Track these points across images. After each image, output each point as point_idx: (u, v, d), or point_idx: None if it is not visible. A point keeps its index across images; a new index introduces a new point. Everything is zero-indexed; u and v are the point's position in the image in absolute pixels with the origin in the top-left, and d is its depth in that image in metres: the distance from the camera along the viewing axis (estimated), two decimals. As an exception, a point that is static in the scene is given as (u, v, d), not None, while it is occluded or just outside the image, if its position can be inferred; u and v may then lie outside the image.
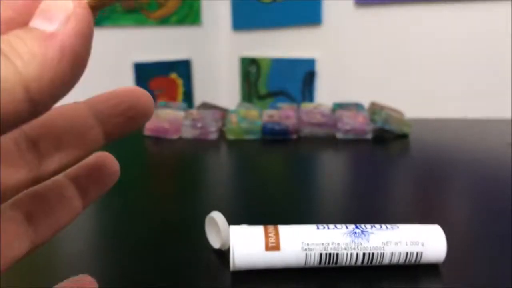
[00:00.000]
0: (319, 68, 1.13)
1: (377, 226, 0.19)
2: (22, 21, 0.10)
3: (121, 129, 0.12)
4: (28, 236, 0.11)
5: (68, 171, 0.12)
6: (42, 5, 0.09)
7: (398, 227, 0.19)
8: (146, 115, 0.12)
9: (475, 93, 0.86)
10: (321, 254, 0.18)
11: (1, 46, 0.08)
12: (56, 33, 0.09)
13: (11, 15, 0.10)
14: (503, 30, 0.81)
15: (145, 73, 1.24)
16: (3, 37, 0.08)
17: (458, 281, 0.18)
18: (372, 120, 0.44)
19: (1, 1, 0.10)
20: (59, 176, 0.12)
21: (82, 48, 0.09)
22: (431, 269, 0.19)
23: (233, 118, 0.44)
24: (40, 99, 0.08)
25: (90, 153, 0.12)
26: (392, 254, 0.18)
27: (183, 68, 1.31)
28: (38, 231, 0.11)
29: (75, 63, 0.09)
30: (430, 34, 0.91)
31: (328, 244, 0.18)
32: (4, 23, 0.09)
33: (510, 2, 0.79)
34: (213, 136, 0.44)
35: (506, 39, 0.81)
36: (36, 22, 0.09)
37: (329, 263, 0.18)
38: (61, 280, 0.13)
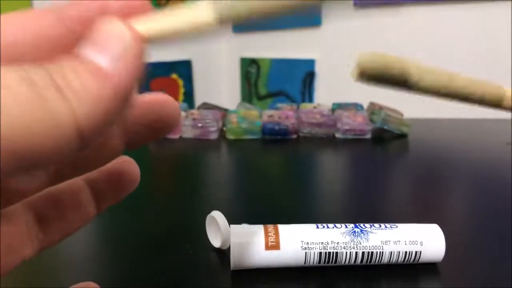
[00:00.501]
0: (319, 69, 1.13)
1: (376, 225, 0.19)
2: (72, 39, 0.09)
3: (143, 140, 0.11)
4: (37, 238, 0.11)
5: (88, 174, 0.12)
6: (98, 31, 0.09)
7: (397, 227, 0.19)
8: (171, 127, 0.12)
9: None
10: (320, 253, 0.18)
11: (57, 79, 0.08)
12: (111, 71, 0.08)
13: (63, 32, 0.09)
14: (503, 30, 0.81)
15: (146, 73, 1.24)
16: (57, 67, 0.08)
17: (457, 280, 0.18)
18: (371, 120, 0.44)
19: (54, 15, 0.09)
20: (77, 179, 0.12)
21: (133, 83, 0.09)
22: (430, 268, 0.19)
23: (233, 118, 0.44)
24: (89, 136, 0.08)
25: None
26: (391, 253, 0.19)
27: (183, 68, 1.31)
28: (48, 234, 0.11)
29: (125, 99, 0.09)
30: (430, 34, 0.91)
31: (328, 243, 0.18)
32: (55, 40, 0.09)
33: (510, 2, 0.79)
34: (214, 136, 0.44)
35: (506, 39, 0.81)
36: (90, 52, 0.09)
37: (328, 262, 0.18)
38: (62, 281, 0.13)
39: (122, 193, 0.12)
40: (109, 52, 0.09)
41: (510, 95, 0.13)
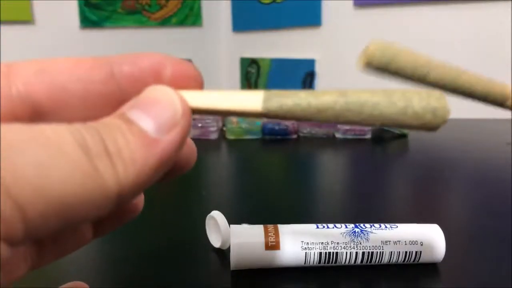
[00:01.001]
0: (319, 69, 1.13)
1: (376, 225, 0.19)
2: (121, 98, 0.09)
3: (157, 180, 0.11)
4: (31, 259, 0.11)
5: None
6: (149, 95, 0.09)
7: (397, 227, 0.19)
8: (185, 170, 0.11)
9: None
10: (320, 253, 0.18)
11: (108, 144, 0.08)
12: (159, 140, 0.08)
13: (113, 89, 0.09)
14: (503, 30, 0.81)
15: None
16: (108, 130, 0.08)
17: (457, 281, 0.18)
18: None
19: (107, 69, 0.09)
20: None
21: (175, 156, 0.09)
22: (430, 268, 0.19)
23: (233, 118, 0.44)
24: (126, 199, 0.08)
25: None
26: (391, 253, 0.19)
27: (183, 68, 1.31)
28: (41, 255, 0.11)
29: (167, 167, 0.09)
30: (429, 34, 0.91)
31: (328, 243, 0.18)
32: (104, 97, 0.09)
33: (510, 2, 0.79)
34: (214, 136, 0.44)
35: (506, 39, 0.81)
36: (141, 117, 0.08)
37: (328, 262, 0.18)
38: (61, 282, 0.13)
39: (121, 222, 0.12)
40: (158, 119, 0.08)
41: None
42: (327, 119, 0.10)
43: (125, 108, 0.09)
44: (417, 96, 0.10)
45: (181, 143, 0.09)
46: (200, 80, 0.11)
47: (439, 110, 0.10)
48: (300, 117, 0.10)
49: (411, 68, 0.11)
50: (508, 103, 0.12)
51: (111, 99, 0.10)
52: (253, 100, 0.10)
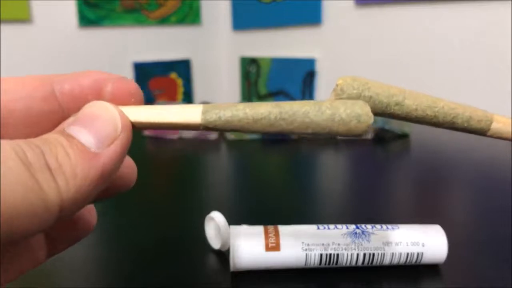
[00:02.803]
0: (319, 68, 1.13)
1: (378, 226, 0.19)
2: (63, 115, 0.10)
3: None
4: None
5: None
6: (89, 111, 0.09)
7: (398, 227, 0.19)
8: (125, 189, 0.11)
9: (475, 92, 0.86)
10: (321, 255, 0.18)
11: (49, 159, 0.08)
12: (100, 154, 0.09)
13: (55, 107, 0.10)
14: (503, 30, 0.81)
15: (145, 73, 1.24)
16: (49, 146, 0.08)
17: (459, 282, 0.18)
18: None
19: (48, 88, 0.09)
20: None
21: (118, 167, 0.09)
22: (432, 269, 0.19)
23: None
24: (69, 213, 0.08)
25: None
26: (392, 254, 0.18)
27: (183, 68, 1.31)
28: None
29: (108, 181, 0.09)
30: (431, 34, 0.91)
31: (329, 244, 0.18)
32: (46, 114, 0.09)
33: (510, 2, 0.79)
34: (213, 136, 0.43)
35: (506, 39, 0.81)
36: (81, 132, 0.09)
37: (329, 263, 0.18)
38: (63, 283, 0.13)
39: (75, 239, 0.12)
40: (98, 133, 0.09)
41: (497, 125, 0.12)
42: (264, 128, 0.10)
43: (65, 124, 0.09)
44: (343, 105, 0.11)
45: (122, 156, 0.09)
46: (140, 97, 0.11)
47: (362, 116, 0.10)
48: (238, 128, 0.10)
49: (386, 96, 0.12)
50: (492, 131, 0.12)
51: (53, 116, 0.10)
52: (193, 113, 0.10)
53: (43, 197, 0.08)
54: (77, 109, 0.09)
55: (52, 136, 0.09)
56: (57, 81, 0.10)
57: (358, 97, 0.12)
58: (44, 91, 0.10)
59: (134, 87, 0.11)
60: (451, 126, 0.12)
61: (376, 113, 0.12)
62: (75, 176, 0.08)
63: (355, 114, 0.10)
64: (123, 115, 0.10)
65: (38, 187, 0.08)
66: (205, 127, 0.10)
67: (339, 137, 0.43)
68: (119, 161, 0.09)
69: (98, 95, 0.10)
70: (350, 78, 0.12)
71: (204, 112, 0.10)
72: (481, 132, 0.12)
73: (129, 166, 0.12)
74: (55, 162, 0.08)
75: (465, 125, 0.12)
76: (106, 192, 0.11)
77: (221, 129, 0.10)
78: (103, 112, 0.09)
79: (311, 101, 0.11)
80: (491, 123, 0.12)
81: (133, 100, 0.11)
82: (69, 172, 0.08)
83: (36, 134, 0.09)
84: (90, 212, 0.12)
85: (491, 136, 0.12)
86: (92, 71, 0.10)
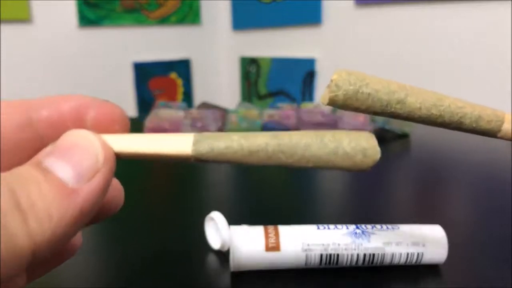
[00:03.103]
0: (319, 68, 1.13)
1: (378, 226, 0.19)
2: (41, 144, 0.09)
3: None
4: None
5: None
6: (67, 141, 0.08)
7: (399, 228, 0.19)
8: (111, 213, 0.11)
9: (475, 92, 0.86)
10: (321, 255, 0.18)
11: (21, 198, 0.07)
12: (79, 190, 0.08)
13: (32, 136, 0.09)
14: (503, 30, 0.81)
15: (145, 73, 1.24)
16: (21, 183, 0.07)
17: (459, 283, 0.18)
18: (373, 120, 0.44)
19: (25, 116, 0.09)
20: None
21: (98, 204, 0.08)
22: (432, 270, 0.19)
23: (233, 118, 0.44)
24: (46, 255, 0.08)
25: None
26: (393, 254, 0.18)
27: (182, 68, 1.31)
28: None
29: (88, 218, 0.08)
30: (430, 33, 0.91)
31: (329, 244, 0.18)
32: (23, 144, 0.09)
33: (510, 2, 0.79)
34: (213, 136, 0.43)
35: (506, 39, 0.81)
36: (58, 165, 0.08)
37: (329, 263, 0.18)
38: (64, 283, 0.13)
39: (57, 263, 0.11)
40: (77, 166, 0.08)
41: (508, 125, 0.11)
42: (260, 161, 0.10)
43: (41, 156, 0.08)
44: (347, 137, 0.10)
45: (104, 191, 0.08)
46: (126, 123, 0.10)
47: (369, 150, 0.10)
48: (233, 160, 0.10)
49: (386, 93, 0.10)
50: (503, 133, 0.11)
51: (30, 145, 0.09)
52: (183, 143, 0.09)
53: (13, 243, 0.07)
54: (57, 137, 0.09)
55: (25, 169, 0.08)
56: (34, 107, 0.09)
57: (355, 94, 0.10)
58: (19, 119, 0.09)
59: (118, 112, 0.10)
60: (458, 126, 0.11)
61: (375, 113, 0.11)
62: (50, 217, 0.07)
63: (361, 148, 0.10)
64: (105, 145, 0.09)
65: (7, 232, 0.07)
66: (196, 159, 0.09)
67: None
68: (101, 196, 0.08)
69: (79, 122, 0.09)
70: (345, 72, 0.10)
71: (195, 143, 0.09)
72: (491, 133, 0.11)
73: (116, 189, 0.11)
74: (26, 201, 0.07)
75: (474, 125, 0.11)
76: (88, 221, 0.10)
77: (214, 161, 0.10)
78: (83, 141, 0.08)
79: (312, 132, 0.10)
80: (502, 123, 0.11)
81: (117, 127, 0.10)
82: (43, 212, 0.07)
83: (11, 165, 0.08)
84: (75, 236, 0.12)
85: (501, 138, 0.11)
86: (73, 95, 0.10)
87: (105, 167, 0.08)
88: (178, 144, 0.09)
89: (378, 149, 0.10)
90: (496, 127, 0.11)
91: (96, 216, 0.10)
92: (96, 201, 0.08)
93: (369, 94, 0.10)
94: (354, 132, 0.10)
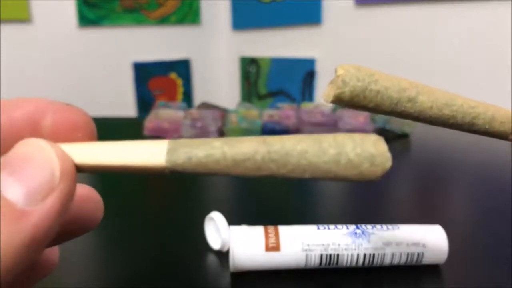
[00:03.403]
0: (319, 68, 1.13)
1: (378, 226, 0.19)
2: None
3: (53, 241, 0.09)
4: None
5: None
6: (18, 154, 0.07)
7: (399, 228, 0.19)
8: (90, 228, 0.09)
9: (475, 92, 0.86)
10: (321, 255, 0.18)
11: None
12: (30, 212, 0.06)
13: None
14: (503, 30, 0.81)
15: (144, 73, 1.24)
16: None
17: (460, 282, 0.18)
18: (373, 120, 0.44)
19: None
20: None
21: (56, 227, 0.07)
22: (432, 270, 0.19)
23: (233, 118, 0.44)
24: None
25: None
26: (393, 255, 0.18)
27: (182, 68, 1.31)
28: None
29: (42, 245, 0.07)
30: (430, 33, 0.91)
31: (329, 244, 0.18)
32: None
33: (510, 2, 0.79)
34: (213, 136, 0.43)
35: (506, 38, 0.81)
36: (6, 182, 0.07)
37: (329, 264, 0.18)
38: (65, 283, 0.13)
39: (33, 281, 0.10)
40: (29, 183, 0.07)
41: None
42: (248, 172, 0.08)
43: None
44: (350, 141, 0.08)
45: (61, 212, 0.07)
46: (91, 129, 0.09)
47: (377, 157, 0.08)
48: (215, 171, 0.08)
49: (396, 91, 0.09)
50: None
51: None
52: (155, 153, 0.08)
53: None
54: (9, 149, 0.07)
55: None
56: None
57: (363, 91, 0.09)
58: None
59: (81, 118, 0.08)
60: (470, 128, 0.10)
61: (383, 111, 0.09)
62: None
63: (367, 155, 0.08)
64: (63, 157, 0.07)
65: None
66: (171, 170, 0.08)
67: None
68: (58, 219, 0.07)
69: (35, 130, 0.08)
70: (353, 67, 0.09)
71: (169, 151, 0.08)
72: (504, 135, 0.10)
73: (92, 201, 0.09)
74: None
75: (487, 126, 0.10)
76: (61, 236, 0.09)
77: (193, 172, 0.08)
78: (37, 153, 0.07)
79: (309, 137, 0.08)
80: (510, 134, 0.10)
81: (80, 135, 0.08)
82: None
83: None
84: (51, 251, 0.10)
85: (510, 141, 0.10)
86: (29, 98, 0.08)
87: (63, 184, 0.07)
88: (149, 153, 0.08)
89: (388, 155, 0.08)
90: (509, 128, 0.10)
91: (68, 233, 0.09)
92: (52, 225, 0.07)
93: (378, 91, 0.09)
94: (359, 135, 0.08)
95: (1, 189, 0.07)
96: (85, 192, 0.09)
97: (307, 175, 0.08)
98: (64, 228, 0.09)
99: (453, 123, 0.10)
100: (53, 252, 0.10)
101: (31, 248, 0.07)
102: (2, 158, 0.07)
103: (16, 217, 0.06)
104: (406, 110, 0.10)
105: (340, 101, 0.09)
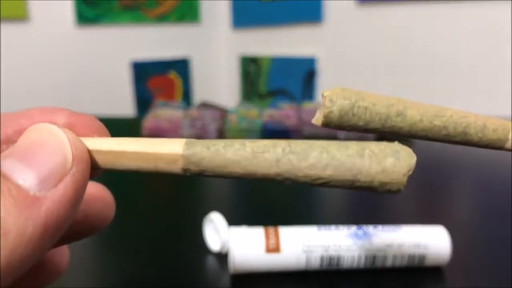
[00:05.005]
0: (320, 67, 1.13)
1: (379, 227, 0.19)
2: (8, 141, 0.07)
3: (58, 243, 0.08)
4: None
5: None
6: (29, 139, 0.07)
7: (400, 228, 0.19)
8: (100, 229, 0.09)
9: (475, 92, 0.86)
10: (322, 256, 0.18)
11: None
12: (43, 198, 0.06)
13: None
14: (504, 29, 0.81)
15: (143, 72, 1.23)
16: None
17: (462, 285, 0.18)
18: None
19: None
20: None
21: (70, 216, 0.07)
22: (434, 272, 0.19)
23: (233, 118, 0.43)
24: (8, 279, 0.06)
25: None
26: (394, 256, 0.18)
27: (181, 67, 1.30)
28: None
29: (57, 234, 0.07)
30: (432, 32, 0.91)
31: (330, 246, 0.18)
32: None
33: (510, 2, 0.79)
34: (212, 135, 0.43)
35: (507, 38, 0.81)
36: (17, 169, 0.06)
37: (330, 265, 0.18)
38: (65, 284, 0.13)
39: (41, 284, 0.10)
40: (41, 169, 0.06)
41: None
42: (266, 166, 0.08)
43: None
44: (375, 144, 0.08)
45: (75, 199, 0.07)
46: (104, 133, 0.08)
47: (401, 152, 0.08)
48: (231, 164, 0.08)
49: (384, 106, 0.09)
50: (508, 144, 0.10)
51: None
52: (172, 144, 0.08)
53: None
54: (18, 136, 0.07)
55: None
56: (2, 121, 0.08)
57: (351, 108, 0.09)
58: None
59: (95, 124, 0.08)
60: (464, 138, 0.10)
61: (374, 129, 0.10)
62: (6, 235, 0.06)
63: (391, 150, 0.08)
64: (76, 142, 0.07)
65: None
66: (187, 162, 0.08)
67: (339, 136, 0.43)
68: (72, 206, 0.07)
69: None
70: (339, 88, 0.10)
71: (187, 143, 0.08)
72: (498, 143, 0.10)
73: (104, 201, 0.09)
74: None
75: (480, 135, 0.10)
76: (71, 236, 0.09)
77: (209, 168, 0.08)
78: (48, 137, 0.07)
79: (332, 142, 0.08)
80: (508, 132, 0.10)
81: (94, 135, 0.08)
82: None
83: None
84: (61, 253, 0.10)
85: (508, 150, 0.10)
86: (48, 108, 0.08)
87: (75, 169, 0.07)
88: (165, 144, 0.08)
89: (412, 153, 0.08)
90: (503, 135, 0.10)
91: (77, 233, 0.09)
92: (66, 212, 0.07)
93: (366, 108, 0.09)
94: (382, 142, 0.08)
95: (12, 175, 0.06)
96: (97, 190, 0.09)
97: (328, 172, 0.08)
98: (74, 227, 0.09)
99: (446, 135, 0.10)
100: (63, 255, 0.10)
101: (45, 236, 0.06)
102: (12, 146, 0.07)
103: (29, 203, 0.06)
104: (397, 125, 0.10)
105: (330, 122, 0.10)
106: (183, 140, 0.08)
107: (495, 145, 0.10)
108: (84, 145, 0.07)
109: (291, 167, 0.08)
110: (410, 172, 0.08)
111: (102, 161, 0.08)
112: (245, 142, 0.08)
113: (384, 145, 0.08)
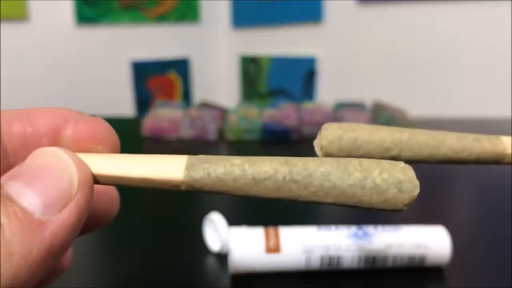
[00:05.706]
0: (320, 67, 1.13)
1: (380, 227, 0.19)
2: (8, 163, 0.07)
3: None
4: None
5: None
6: (36, 163, 0.07)
7: (401, 229, 0.19)
8: (104, 224, 0.10)
9: (475, 92, 0.86)
10: (322, 257, 0.18)
11: None
12: (47, 222, 0.06)
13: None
14: (504, 29, 0.81)
15: (143, 71, 1.23)
16: None
17: (462, 285, 0.18)
18: (375, 120, 0.44)
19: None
20: None
21: (73, 238, 0.07)
22: (435, 272, 0.19)
23: (233, 118, 0.43)
24: None
25: None
26: (394, 256, 0.18)
27: (181, 66, 1.30)
28: None
29: (58, 257, 0.07)
30: (432, 32, 0.91)
31: (330, 246, 0.18)
32: None
33: (510, 2, 0.79)
34: (212, 135, 0.43)
35: (507, 38, 0.81)
36: (23, 192, 0.06)
37: (330, 265, 0.18)
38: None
39: (42, 285, 0.10)
40: (46, 193, 0.07)
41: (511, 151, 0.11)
42: (267, 192, 0.08)
43: (4, 179, 0.07)
44: (377, 166, 0.08)
45: (79, 222, 0.07)
46: (113, 141, 0.08)
47: (405, 183, 0.08)
48: (233, 189, 0.08)
49: (380, 153, 0.10)
50: (508, 158, 0.11)
51: None
52: (173, 167, 0.08)
53: None
54: (29, 155, 0.07)
55: None
56: (4, 119, 0.08)
57: (347, 154, 0.10)
58: None
59: (103, 129, 0.08)
60: (460, 163, 0.11)
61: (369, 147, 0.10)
62: (10, 257, 0.06)
63: (395, 180, 0.08)
64: (82, 167, 0.07)
65: None
66: (188, 186, 0.08)
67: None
68: (75, 229, 0.07)
69: (56, 139, 0.08)
70: (335, 124, 0.10)
71: (188, 167, 0.08)
72: (497, 162, 0.11)
73: (109, 196, 0.10)
74: None
75: (475, 162, 0.11)
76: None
77: (210, 190, 0.08)
78: (55, 162, 0.07)
79: (333, 159, 0.08)
80: (503, 150, 0.11)
81: (99, 147, 0.08)
82: (3, 250, 0.06)
83: None
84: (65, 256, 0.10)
85: (508, 164, 0.11)
86: (53, 108, 0.08)
87: (80, 194, 0.07)
88: (167, 167, 0.08)
89: (416, 182, 0.08)
90: (500, 157, 0.11)
91: (84, 228, 0.09)
92: (69, 235, 0.07)
93: (361, 155, 0.10)
94: (387, 162, 0.08)
95: (17, 198, 0.07)
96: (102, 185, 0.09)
97: (330, 199, 0.08)
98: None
99: (440, 163, 0.11)
100: (66, 254, 0.10)
101: (48, 258, 0.07)
102: (18, 167, 0.07)
103: (34, 226, 0.06)
104: (395, 152, 0.10)
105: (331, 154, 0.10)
106: (184, 161, 0.08)
107: (494, 162, 0.11)
108: (89, 169, 0.07)
109: (292, 194, 0.08)
110: (411, 201, 0.08)
111: (104, 181, 0.08)
112: (245, 166, 0.08)
113: (388, 173, 0.08)
